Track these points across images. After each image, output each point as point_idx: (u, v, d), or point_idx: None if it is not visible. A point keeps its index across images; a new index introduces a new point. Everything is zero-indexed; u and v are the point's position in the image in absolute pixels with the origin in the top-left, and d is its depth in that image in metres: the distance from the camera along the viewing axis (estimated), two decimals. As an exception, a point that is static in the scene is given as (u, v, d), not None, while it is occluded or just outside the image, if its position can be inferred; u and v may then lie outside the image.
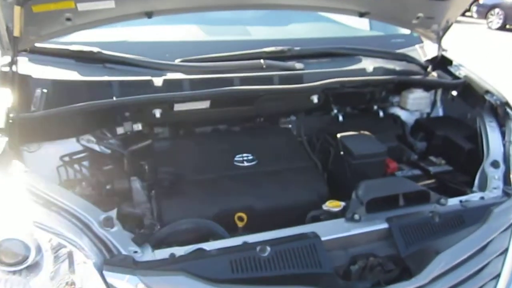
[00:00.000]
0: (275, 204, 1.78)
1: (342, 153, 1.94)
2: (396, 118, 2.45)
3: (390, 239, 1.52)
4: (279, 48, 2.29)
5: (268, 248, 1.37)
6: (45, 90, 1.90)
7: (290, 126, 2.38)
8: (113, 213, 1.55)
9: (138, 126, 2.03)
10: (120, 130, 2.01)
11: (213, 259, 1.33)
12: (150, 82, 1.95)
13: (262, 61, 2.20)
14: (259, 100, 2.08)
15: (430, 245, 1.49)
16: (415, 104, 2.44)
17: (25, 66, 1.98)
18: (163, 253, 1.37)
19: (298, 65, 2.26)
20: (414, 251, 1.47)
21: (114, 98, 1.86)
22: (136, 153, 2.13)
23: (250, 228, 1.74)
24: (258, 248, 1.37)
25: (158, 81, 1.96)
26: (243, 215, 1.68)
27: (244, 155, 2.00)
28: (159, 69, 2.09)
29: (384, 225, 1.53)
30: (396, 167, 2.10)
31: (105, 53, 2.07)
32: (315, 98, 2.16)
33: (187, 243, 1.54)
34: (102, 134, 2.05)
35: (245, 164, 1.96)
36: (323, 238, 1.44)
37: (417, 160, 2.25)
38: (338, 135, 2.00)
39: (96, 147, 2.04)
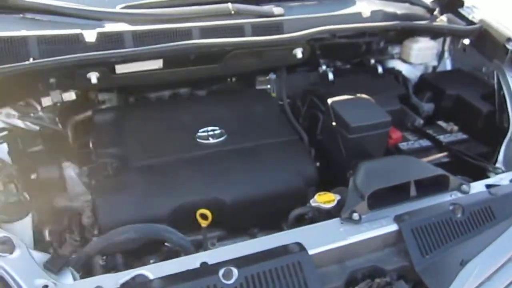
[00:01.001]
0: (250, 195, 1.38)
1: (334, 124, 1.52)
2: (397, 73, 2.02)
3: (400, 245, 1.14)
4: None
5: (235, 272, 0.98)
6: None
7: (268, 86, 1.94)
8: (26, 221, 1.13)
9: (70, 95, 1.57)
10: (46, 101, 1.54)
11: (156, 294, 0.94)
12: (79, 37, 1.46)
13: (229, 5, 1.71)
14: (228, 57, 1.62)
15: (452, 252, 1.12)
16: (420, 56, 2.00)
17: None
18: (86, 286, 0.97)
19: (277, 9, 1.77)
20: (432, 261, 1.10)
21: (31, 60, 1.38)
22: (77, 129, 1.69)
23: (218, 226, 1.37)
24: (221, 273, 0.98)
25: (90, 36, 1.47)
26: (207, 212, 1.28)
27: (210, 128, 1.57)
28: (95, 19, 1.59)
29: (393, 227, 1.15)
30: (400, 137, 1.69)
31: None
32: (298, 52, 1.71)
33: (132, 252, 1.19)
34: (27, 105, 1.59)
35: (211, 140, 1.54)
36: (311, 251, 1.05)
37: (423, 127, 1.85)
38: (329, 101, 1.56)
39: (19, 123, 1.58)
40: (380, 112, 1.52)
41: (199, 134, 1.55)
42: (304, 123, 1.82)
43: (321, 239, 1.10)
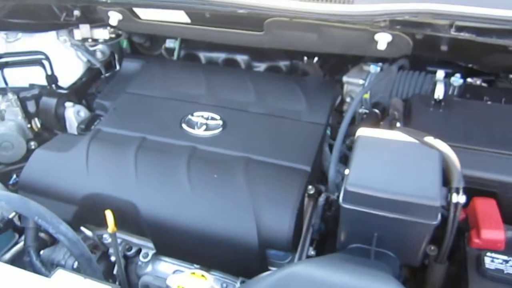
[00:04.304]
0: (170, 218, 0.98)
1: (346, 173, 0.88)
2: None
3: None
4: None
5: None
6: None
7: (360, 81, 1.32)
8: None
9: (103, 33, 1.43)
10: (77, 34, 1.45)
11: None
12: None
13: None
14: (269, 25, 1.14)
15: None
16: None
17: None
18: None
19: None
20: None
21: None
22: None
23: (134, 232, 1.06)
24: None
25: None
26: (110, 213, 0.96)
27: (208, 115, 1.18)
28: None
29: None
30: (502, 243, 0.88)
31: None
32: (382, 41, 1.06)
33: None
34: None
35: (195, 130, 1.15)
36: None
37: None
38: (359, 132, 0.91)
39: (71, 51, 1.55)
40: (433, 185, 0.79)
41: (190, 117, 1.18)
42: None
43: None
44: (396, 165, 0.82)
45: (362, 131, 0.90)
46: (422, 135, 0.89)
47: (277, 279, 0.67)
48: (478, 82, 1.23)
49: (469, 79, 1.22)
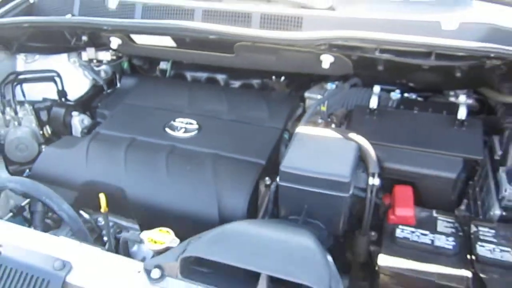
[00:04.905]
0: (151, 200, 1.22)
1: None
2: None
3: None
4: None
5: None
6: None
7: (318, 96, 1.57)
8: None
9: (105, 55, 1.71)
10: (84, 56, 1.73)
11: None
12: (104, 3, 1.55)
13: None
14: (238, 49, 1.40)
15: None
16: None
17: None
18: None
19: (323, 2, 1.38)
20: None
21: (69, 16, 1.58)
22: None
23: (123, 215, 1.30)
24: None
25: (112, 3, 1.54)
26: (102, 196, 1.20)
27: (187, 120, 1.44)
28: None
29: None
30: (412, 219, 1.10)
31: None
32: (325, 61, 1.31)
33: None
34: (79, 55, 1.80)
35: (175, 133, 1.40)
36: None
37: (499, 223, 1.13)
38: (298, 128, 1.16)
39: (78, 71, 1.82)
40: (346, 167, 1.02)
41: (172, 122, 1.44)
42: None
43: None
44: (322, 153, 1.07)
45: (301, 128, 1.15)
46: (347, 133, 1.14)
47: (217, 232, 0.90)
48: (414, 96, 1.48)
49: (406, 94, 1.47)
